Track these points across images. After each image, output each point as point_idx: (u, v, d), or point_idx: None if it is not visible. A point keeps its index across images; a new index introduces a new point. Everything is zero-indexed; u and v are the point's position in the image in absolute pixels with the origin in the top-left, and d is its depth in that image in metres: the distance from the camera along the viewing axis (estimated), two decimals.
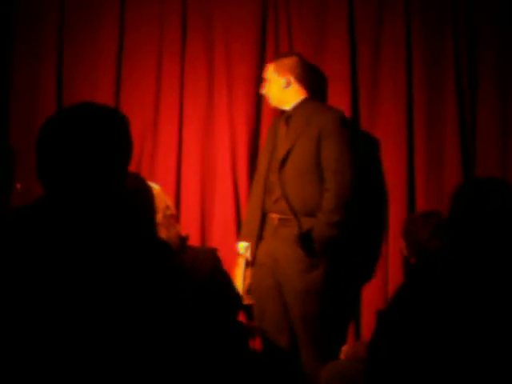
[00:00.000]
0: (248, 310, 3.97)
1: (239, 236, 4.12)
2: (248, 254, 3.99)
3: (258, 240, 3.96)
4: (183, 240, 2.95)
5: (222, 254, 3.17)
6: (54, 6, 4.46)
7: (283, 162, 3.90)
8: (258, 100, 4.31)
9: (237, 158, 4.32)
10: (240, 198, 4.31)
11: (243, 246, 4.02)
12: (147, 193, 2.50)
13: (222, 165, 4.32)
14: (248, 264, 3.99)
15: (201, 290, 2.68)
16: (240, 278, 3.90)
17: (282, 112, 4.07)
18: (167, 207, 2.85)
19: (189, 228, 3.99)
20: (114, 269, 1.69)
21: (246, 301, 3.87)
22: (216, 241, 4.24)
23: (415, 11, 4.19)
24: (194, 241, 3.72)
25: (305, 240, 3.81)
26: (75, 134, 1.75)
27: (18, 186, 2.85)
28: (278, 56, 4.12)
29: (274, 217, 3.93)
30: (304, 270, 3.83)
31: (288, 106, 4.01)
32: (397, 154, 4.16)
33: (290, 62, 4.02)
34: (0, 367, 1.64)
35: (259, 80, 4.22)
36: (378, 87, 4.23)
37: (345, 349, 3.58)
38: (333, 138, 3.86)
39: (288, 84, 3.99)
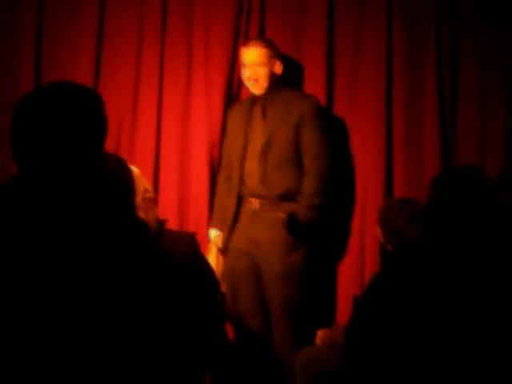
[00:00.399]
0: (222, 296, 3.98)
1: (210, 223, 4.17)
2: (219, 242, 4.05)
3: (231, 227, 4.01)
4: (161, 223, 2.95)
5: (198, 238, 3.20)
6: None
7: (264, 149, 3.94)
8: (232, 85, 4.34)
9: (214, 142, 4.33)
10: (215, 182, 4.32)
11: (215, 234, 4.09)
12: (127, 174, 2.49)
13: (198, 148, 4.33)
14: (219, 251, 4.04)
15: (180, 273, 2.68)
16: (212, 265, 3.92)
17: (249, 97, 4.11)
18: (146, 190, 2.85)
19: (167, 211, 4.00)
20: (90, 248, 1.69)
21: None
22: (191, 224, 4.29)
23: None
24: (171, 224, 3.72)
25: (291, 223, 3.86)
26: (49, 111, 1.75)
27: None
28: (263, 40, 4.08)
29: (253, 201, 3.96)
30: (286, 252, 3.88)
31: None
32: (375, 140, 4.19)
33: (277, 47, 4.06)
34: None
35: (233, 64, 4.28)
36: (358, 73, 4.26)
37: (320, 333, 3.60)
38: (312, 124, 3.93)
39: (279, 70, 4.02)
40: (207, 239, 4.15)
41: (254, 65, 3.97)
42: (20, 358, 1.64)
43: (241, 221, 4.00)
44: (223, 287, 3.89)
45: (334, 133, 4.10)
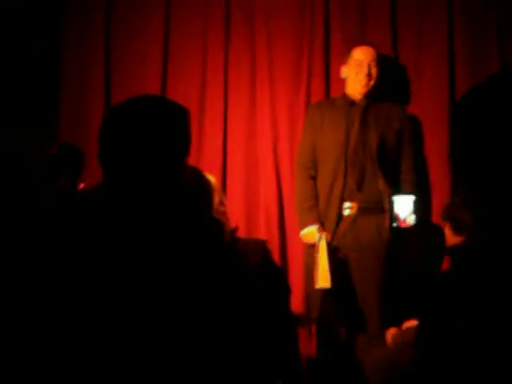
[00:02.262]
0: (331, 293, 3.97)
1: (304, 223, 4.04)
2: (324, 236, 3.93)
3: (334, 229, 3.98)
4: (233, 232, 3.02)
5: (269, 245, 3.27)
6: (101, 5, 4.61)
7: (379, 153, 4.00)
8: (297, 92, 4.41)
9: (278, 149, 4.43)
10: (283, 188, 4.41)
11: (316, 229, 3.98)
12: (205, 185, 2.57)
13: (264, 155, 4.45)
14: (330, 246, 3.93)
15: (252, 279, 2.75)
16: (325, 262, 3.87)
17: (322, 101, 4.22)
18: (221, 202, 2.91)
19: (234, 217, 4.06)
20: (169, 253, 1.75)
21: (328, 283, 3.86)
22: (261, 231, 4.35)
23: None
24: (241, 231, 3.80)
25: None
26: (138, 124, 1.83)
27: (82, 185, 2.98)
28: (373, 43, 4.16)
29: (353, 206, 3.99)
30: (386, 256, 3.93)
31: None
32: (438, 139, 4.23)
33: None
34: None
35: (297, 72, 4.39)
36: (421, 80, 4.34)
37: (390, 333, 3.62)
38: (410, 132, 4.13)
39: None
40: (278, 245, 4.23)
41: (371, 62, 4.08)
42: (102, 354, 1.71)
43: (339, 225, 4.00)
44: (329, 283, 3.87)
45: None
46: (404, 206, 3.81)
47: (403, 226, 3.84)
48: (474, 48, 4.27)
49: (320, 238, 3.91)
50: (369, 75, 4.06)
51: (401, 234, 3.96)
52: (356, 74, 4.08)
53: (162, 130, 1.83)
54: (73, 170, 3.08)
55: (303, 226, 4.04)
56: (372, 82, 4.07)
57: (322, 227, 3.98)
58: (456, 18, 4.29)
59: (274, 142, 4.43)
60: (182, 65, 4.56)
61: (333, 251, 3.93)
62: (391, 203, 3.84)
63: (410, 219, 3.83)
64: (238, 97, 4.49)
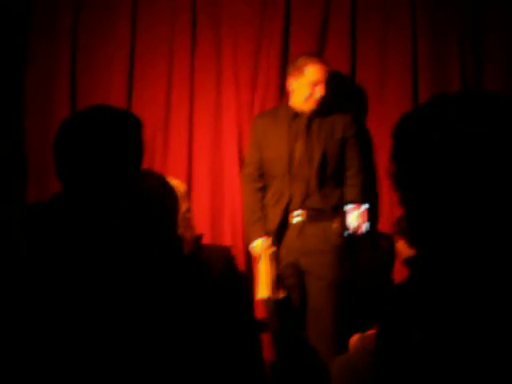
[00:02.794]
0: (279, 303, 4.06)
1: (253, 235, 4.15)
2: (269, 247, 4.07)
3: (276, 238, 4.08)
4: (198, 239, 3.04)
5: (233, 251, 3.30)
6: (68, 7, 4.60)
7: (322, 163, 4.06)
8: (263, 99, 4.46)
9: (244, 156, 4.42)
10: None
11: (261, 241, 4.09)
12: (169, 193, 2.57)
13: (230, 162, 4.47)
14: (272, 257, 4.05)
15: (213, 288, 2.76)
16: (267, 273, 3.98)
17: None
18: (187, 210, 2.93)
19: (199, 224, 4.09)
20: (127, 264, 1.77)
21: (275, 295, 3.98)
22: (226, 237, 4.39)
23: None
24: (206, 237, 3.82)
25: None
26: (90, 135, 1.85)
27: None
28: (321, 59, 4.16)
29: (301, 214, 4.06)
30: (337, 261, 4.01)
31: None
32: None
33: None
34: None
35: (256, 77, 4.44)
36: (384, 85, 4.39)
37: (352, 341, 3.67)
38: (354, 138, 4.16)
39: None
40: (244, 250, 4.27)
41: (322, 83, 4.06)
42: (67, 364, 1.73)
43: (286, 233, 4.09)
44: (280, 294, 3.98)
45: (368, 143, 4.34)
46: (355, 216, 3.94)
47: (355, 234, 3.99)
48: (437, 59, 4.31)
49: (264, 250, 4.05)
50: (323, 97, 4.06)
51: (352, 241, 4.07)
52: (310, 95, 4.05)
53: (114, 140, 1.86)
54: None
55: (251, 239, 4.15)
56: (320, 101, 4.06)
57: (270, 237, 4.08)
58: (419, 30, 4.34)
59: (240, 148, 4.46)
60: (148, 70, 4.56)
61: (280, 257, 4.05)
62: (343, 214, 3.96)
63: (362, 228, 3.97)
64: (204, 102, 4.50)
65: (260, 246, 4.09)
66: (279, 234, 4.08)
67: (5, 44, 4.45)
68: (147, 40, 4.57)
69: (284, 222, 4.09)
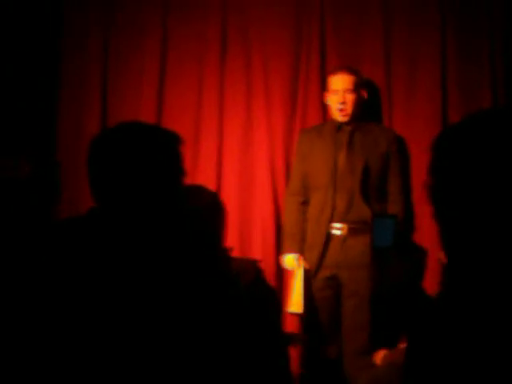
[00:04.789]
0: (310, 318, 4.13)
1: (286, 248, 4.25)
2: (302, 264, 4.14)
3: (321, 254, 4.11)
4: (227, 251, 3.07)
5: (263, 265, 3.32)
6: (99, 25, 4.68)
7: (364, 175, 4.12)
8: (292, 112, 4.52)
9: (275, 170, 4.53)
10: (279, 209, 4.48)
11: (294, 257, 4.19)
12: (218, 211, 2.60)
13: (260, 176, 4.54)
14: (307, 274, 4.11)
15: (243, 301, 2.78)
16: (300, 288, 4.05)
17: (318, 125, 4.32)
18: None
19: (228, 237, 4.13)
20: (161, 278, 1.78)
21: (300, 309, 4.03)
22: (255, 250, 4.43)
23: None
24: (234, 250, 3.86)
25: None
26: (125, 149, 1.85)
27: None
28: (350, 68, 4.26)
29: (343, 227, 4.11)
30: (374, 275, 4.06)
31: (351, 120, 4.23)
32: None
33: (363, 77, 4.30)
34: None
35: (293, 93, 4.49)
36: (414, 97, 4.43)
37: (381, 355, 3.68)
38: (397, 154, 4.24)
39: (363, 99, 4.25)
40: (274, 265, 4.35)
41: (343, 90, 4.19)
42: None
43: (329, 245, 4.13)
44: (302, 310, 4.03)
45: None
46: (383, 227, 3.94)
47: (382, 245, 3.99)
48: (467, 73, 4.38)
49: (298, 266, 4.13)
50: (344, 103, 4.17)
51: (382, 253, 4.07)
52: (333, 102, 4.22)
53: (150, 155, 1.86)
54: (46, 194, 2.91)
55: (284, 251, 4.27)
56: (350, 109, 4.18)
57: (303, 255, 4.16)
58: (449, 42, 4.39)
59: (271, 161, 4.50)
60: (177, 86, 4.66)
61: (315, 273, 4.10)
62: (372, 224, 3.97)
63: (389, 240, 3.98)
64: (234, 117, 4.59)
65: (292, 261, 4.19)
66: (321, 244, 4.12)
67: (38, 67, 4.52)
68: (177, 56, 4.65)
69: (327, 234, 4.13)
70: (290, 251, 4.23)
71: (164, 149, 1.92)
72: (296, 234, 4.23)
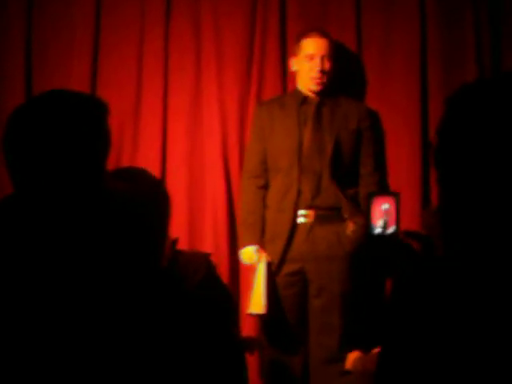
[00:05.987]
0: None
1: (245, 240, 4.19)
2: (264, 257, 4.06)
3: (286, 245, 4.07)
4: (173, 243, 3.03)
5: (214, 258, 3.29)
6: None
7: (333, 155, 4.06)
8: (247, 81, 4.46)
9: (228, 149, 4.45)
10: (233, 193, 4.42)
11: (254, 250, 4.11)
12: (160, 198, 2.56)
13: (211, 157, 4.45)
14: (269, 269, 4.04)
15: (192, 301, 2.76)
16: (262, 286, 3.98)
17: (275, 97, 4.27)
18: None
19: (175, 229, 4.08)
20: (92, 276, 1.73)
21: (262, 309, 3.95)
22: (206, 242, 4.38)
23: None
24: (181, 243, 3.83)
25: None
26: (45, 123, 1.78)
27: None
28: (327, 33, 4.20)
29: (310, 214, 4.05)
30: (347, 270, 4.01)
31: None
32: (410, 141, 4.33)
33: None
34: None
35: (248, 60, 4.45)
36: (389, 66, 4.43)
37: (352, 357, 3.69)
38: (370, 132, 4.20)
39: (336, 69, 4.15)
40: (227, 258, 4.28)
41: (321, 56, 4.10)
42: None
43: (294, 235, 4.07)
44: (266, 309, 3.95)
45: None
46: (384, 210, 3.83)
47: (383, 234, 3.87)
48: (448, 34, 4.37)
49: (258, 260, 4.03)
50: (322, 71, 4.08)
51: (379, 244, 4.00)
52: (308, 70, 4.10)
53: (73, 129, 1.79)
54: None
55: (242, 244, 4.17)
56: (326, 78, 4.09)
57: (262, 247, 4.09)
58: (429, 7, 4.36)
59: (223, 139, 4.43)
60: (115, 51, 4.54)
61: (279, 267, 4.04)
62: (368, 206, 3.87)
63: (392, 226, 3.87)
64: (180, 89, 4.48)
65: (251, 254, 4.09)
66: (285, 233, 4.05)
67: None
68: (113, 18, 4.54)
69: (293, 222, 4.05)
70: (249, 243, 4.12)
71: (92, 121, 1.82)
72: (255, 224, 4.13)
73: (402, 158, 4.32)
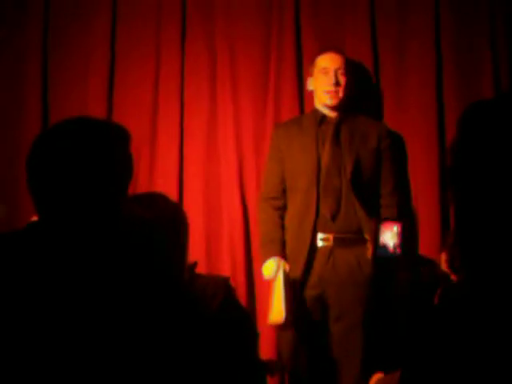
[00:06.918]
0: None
1: (267, 254, 4.08)
2: (282, 266, 3.98)
3: (305, 266, 3.99)
4: (192, 267, 3.03)
5: (233, 281, 3.28)
6: (37, 4, 4.59)
7: (354, 176, 4.01)
8: (264, 106, 4.44)
9: (244, 173, 4.44)
10: (249, 217, 4.40)
11: (274, 263, 4.01)
12: (182, 223, 2.57)
13: (228, 181, 4.46)
14: (288, 280, 3.93)
15: (212, 325, 2.76)
16: (281, 295, 3.88)
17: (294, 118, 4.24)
18: None
19: (192, 252, 4.06)
20: (110, 302, 1.75)
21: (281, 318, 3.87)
22: (224, 266, 4.36)
23: None
24: (199, 267, 3.82)
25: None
26: (68, 151, 1.82)
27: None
28: (338, 49, 4.19)
29: (329, 237, 3.99)
30: (368, 296, 3.94)
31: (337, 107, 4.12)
32: (427, 152, 4.30)
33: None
34: None
35: (265, 83, 4.43)
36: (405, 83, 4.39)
37: (374, 380, 3.67)
38: (389, 151, 4.13)
39: (353, 86, 4.14)
40: (244, 279, 4.26)
41: (335, 70, 4.09)
42: None
43: (314, 259, 4.00)
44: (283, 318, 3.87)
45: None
46: (391, 234, 3.82)
47: (390, 256, 3.85)
48: (464, 56, 4.33)
49: (277, 270, 3.94)
50: (336, 84, 4.06)
51: (387, 266, 3.98)
52: (322, 84, 4.09)
53: (96, 156, 1.83)
54: None
55: (264, 258, 4.07)
56: (342, 93, 4.07)
57: (285, 259, 4.00)
58: (443, 20, 4.35)
59: (239, 163, 4.43)
60: (131, 73, 4.55)
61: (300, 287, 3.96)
62: (376, 230, 3.85)
63: (398, 249, 3.85)
64: (197, 111, 4.48)
65: (271, 266, 3.99)
66: (303, 257, 3.98)
67: None
68: (130, 38, 4.56)
69: (312, 245, 3.99)
70: (269, 256, 4.03)
71: (114, 148, 1.86)
72: (274, 239, 4.05)
73: (419, 176, 4.29)
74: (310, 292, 3.98)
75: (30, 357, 1.73)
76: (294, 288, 3.95)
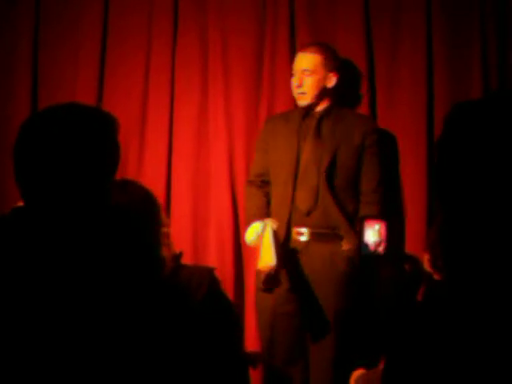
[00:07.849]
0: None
1: (252, 218, 4.08)
2: (269, 223, 3.96)
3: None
4: (177, 258, 3.04)
5: (219, 273, 3.29)
6: None
7: (329, 170, 4.02)
8: (257, 97, 4.46)
9: (234, 163, 4.44)
10: (239, 208, 4.41)
11: (258, 224, 4.00)
12: (153, 207, 2.58)
13: (217, 170, 4.47)
14: (276, 237, 3.93)
15: (196, 315, 2.77)
16: (269, 242, 3.88)
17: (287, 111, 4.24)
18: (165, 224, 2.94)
19: (180, 242, 4.06)
20: (95, 290, 1.74)
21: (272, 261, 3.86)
22: (211, 257, 4.37)
23: None
24: (186, 257, 3.83)
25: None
26: (55, 137, 1.80)
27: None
28: (318, 47, 4.16)
29: (303, 231, 4.02)
30: (342, 291, 3.95)
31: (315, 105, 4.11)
32: (416, 149, 4.31)
33: (336, 58, 4.15)
34: None
35: (258, 77, 4.43)
36: (397, 78, 4.41)
37: (355, 376, 3.69)
38: (374, 148, 4.10)
39: (330, 83, 4.13)
40: (232, 270, 4.29)
41: (301, 71, 4.09)
42: None
43: (289, 252, 4.01)
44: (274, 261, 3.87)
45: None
46: (373, 231, 3.85)
47: (373, 254, 3.88)
48: (455, 54, 4.34)
49: (265, 226, 3.93)
50: (299, 87, 4.07)
51: (370, 264, 4.00)
52: (291, 85, 4.14)
53: (83, 143, 1.82)
54: None
55: (248, 222, 4.09)
56: (309, 94, 4.06)
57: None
58: (435, 18, 4.37)
59: (229, 153, 4.45)
60: (121, 63, 4.57)
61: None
62: (361, 228, 3.86)
63: (381, 247, 3.87)
64: (187, 102, 4.51)
65: (258, 226, 3.98)
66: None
67: None
68: (121, 30, 4.57)
69: (286, 238, 4.01)
70: (255, 219, 4.04)
71: (102, 135, 1.85)
72: (260, 208, 4.08)
73: (408, 173, 4.31)
74: (284, 284, 3.99)
75: (9, 341, 1.72)
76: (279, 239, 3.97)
